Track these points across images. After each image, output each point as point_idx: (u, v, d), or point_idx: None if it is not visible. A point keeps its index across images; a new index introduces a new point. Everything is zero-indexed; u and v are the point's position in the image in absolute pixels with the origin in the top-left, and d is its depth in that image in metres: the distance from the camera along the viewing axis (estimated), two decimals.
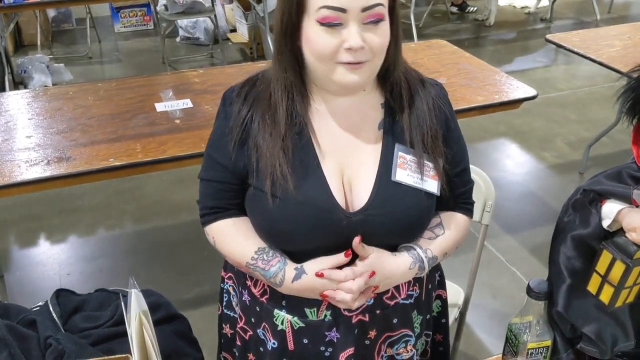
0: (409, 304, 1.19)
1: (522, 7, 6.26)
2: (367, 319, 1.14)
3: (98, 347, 1.22)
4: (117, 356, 0.93)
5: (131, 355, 0.85)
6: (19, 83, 4.33)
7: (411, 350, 1.21)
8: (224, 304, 1.31)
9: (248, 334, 1.23)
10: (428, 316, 1.28)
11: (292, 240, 1.08)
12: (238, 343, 1.27)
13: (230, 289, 1.28)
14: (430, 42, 3.00)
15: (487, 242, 2.88)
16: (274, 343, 1.16)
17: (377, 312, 1.14)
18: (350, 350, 1.14)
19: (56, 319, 1.25)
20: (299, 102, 1.07)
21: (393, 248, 1.12)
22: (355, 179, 1.08)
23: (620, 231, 0.96)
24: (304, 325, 1.13)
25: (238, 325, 1.26)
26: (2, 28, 4.06)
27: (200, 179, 1.17)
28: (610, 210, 0.97)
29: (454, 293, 1.84)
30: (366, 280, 1.05)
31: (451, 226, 1.17)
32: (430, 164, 1.09)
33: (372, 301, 1.12)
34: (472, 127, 3.89)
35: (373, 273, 1.05)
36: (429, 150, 1.08)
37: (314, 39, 0.98)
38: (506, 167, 3.50)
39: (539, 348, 1.07)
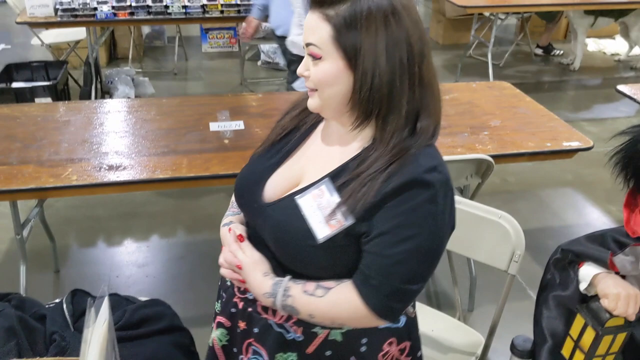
0: (274, 330, 1.18)
1: (613, 54, 6.02)
2: (240, 307, 1.22)
3: None
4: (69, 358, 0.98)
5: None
6: (106, 92, 4.64)
7: None
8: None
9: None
10: None
11: (236, 199, 1.24)
12: None
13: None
14: (492, 83, 2.95)
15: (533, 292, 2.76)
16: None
17: (249, 309, 1.20)
18: (225, 321, 1.26)
19: (67, 317, 1.34)
20: (313, 119, 1.22)
21: (286, 268, 1.13)
22: (297, 187, 1.15)
23: (597, 296, 0.92)
24: (228, 284, 1.27)
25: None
26: (95, 40, 4.36)
27: None
28: (587, 273, 0.93)
29: (474, 341, 1.80)
30: (233, 263, 1.16)
31: (336, 298, 1.08)
32: (340, 216, 1.04)
33: (252, 296, 1.19)
34: (538, 173, 3.78)
35: (239, 266, 1.15)
36: (347, 204, 1.04)
37: None
38: (568, 217, 3.35)
39: None
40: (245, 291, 1.20)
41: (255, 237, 1.18)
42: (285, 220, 1.09)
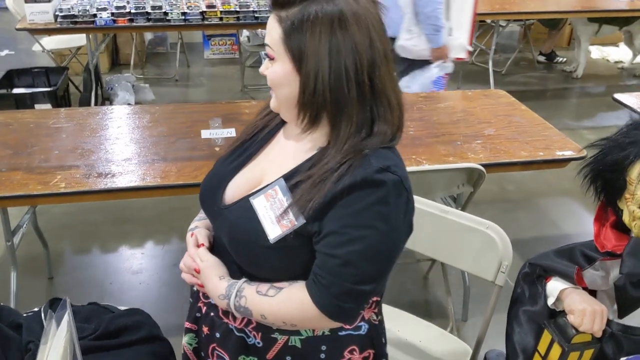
0: (235, 335, 1.20)
1: (616, 62, 5.98)
2: (203, 311, 1.24)
3: None
4: None
5: None
6: (106, 99, 4.65)
7: None
8: None
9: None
10: None
11: (201, 203, 1.25)
12: None
13: None
14: (488, 92, 2.94)
15: None
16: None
17: (211, 314, 1.22)
18: (192, 325, 1.29)
19: (45, 326, 1.33)
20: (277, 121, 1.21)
21: (244, 271, 1.15)
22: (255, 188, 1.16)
23: (565, 311, 0.90)
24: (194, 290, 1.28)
25: None
26: (95, 47, 4.38)
27: None
28: (554, 288, 0.91)
29: (462, 352, 1.78)
30: (191, 267, 1.19)
31: (286, 297, 1.09)
32: (292, 216, 1.05)
33: (212, 301, 1.20)
34: (537, 182, 3.75)
35: (197, 270, 1.18)
36: (298, 204, 1.04)
37: None
38: (566, 227, 3.32)
39: None
40: (207, 296, 1.21)
41: (218, 240, 1.20)
42: (240, 221, 1.11)
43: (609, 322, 0.99)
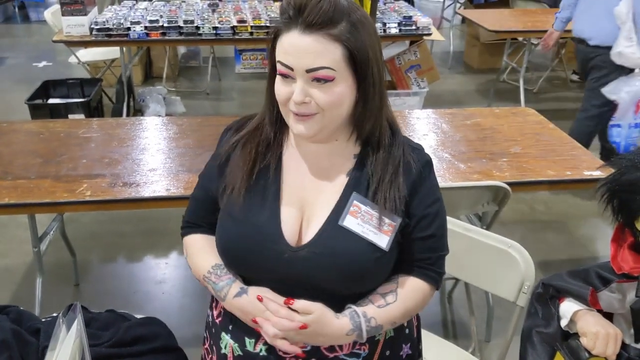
0: None
1: None
2: None
3: None
4: None
5: None
6: (138, 110, 4.74)
7: None
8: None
9: (209, 356, 1.28)
10: None
11: (239, 262, 1.14)
12: None
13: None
14: (516, 109, 2.90)
15: None
16: None
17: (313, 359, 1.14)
18: None
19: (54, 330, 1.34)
20: (278, 140, 1.16)
21: (340, 297, 1.11)
22: (312, 218, 1.12)
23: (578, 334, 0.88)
24: (242, 353, 1.17)
25: (204, 346, 1.32)
26: (129, 59, 4.47)
27: None
28: (567, 310, 0.89)
29: None
30: (294, 328, 1.05)
31: (405, 294, 1.14)
32: (387, 220, 1.09)
33: (309, 347, 1.12)
34: (567, 201, 3.68)
35: (304, 326, 1.05)
36: (387, 206, 1.09)
37: (276, 86, 1.08)
38: (596, 249, 3.25)
39: None
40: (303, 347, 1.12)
41: (281, 290, 1.10)
42: (341, 247, 1.08)
43: (625, 347, 0.96)
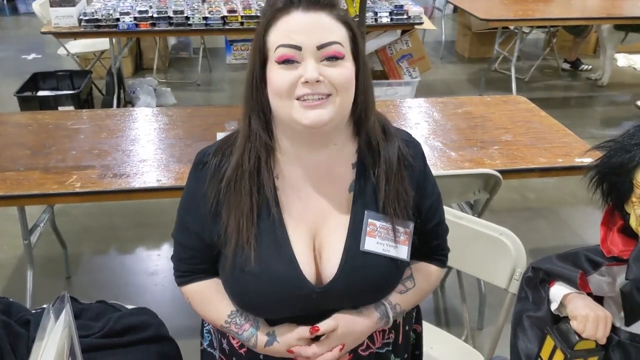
0: (385, 352, 1.19)
1: None
2: None
3: (83, 355, 1.29)
4: None
5: None
6: (128, 102, 4.70)
7: None
8: (207, 342, 1.32)
9: None
10: (406, 355, 1.26)
11: (262, 312, 1.10)
12: None
13: (212, 330, 1.29)
14: (507, 97, 2.90)
15: None
16: None
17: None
18: None
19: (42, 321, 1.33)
20: (268, 167, 1.06)
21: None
22: (325, 246, 1.07)
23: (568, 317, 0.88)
24: None
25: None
26: (118, 50, 4.44)
27: (173, 238, 1.19)
28: (557, 293, 0.89)
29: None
30: (337, 355, 1.07)
31: (422, 278, 1.19)
32: (401, 229, 1.08)
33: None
34: (559, 189, 3.69)
35: (343, 346, 1.07)
36: (399, 215, 1.07)
37: (274, 78, 0.99)
38: (588, 236, 3.26)
39: None
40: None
41: (307, 320, 1.09)
42: (367, 273, 1.06)
43: (616, 330, 0.96)
